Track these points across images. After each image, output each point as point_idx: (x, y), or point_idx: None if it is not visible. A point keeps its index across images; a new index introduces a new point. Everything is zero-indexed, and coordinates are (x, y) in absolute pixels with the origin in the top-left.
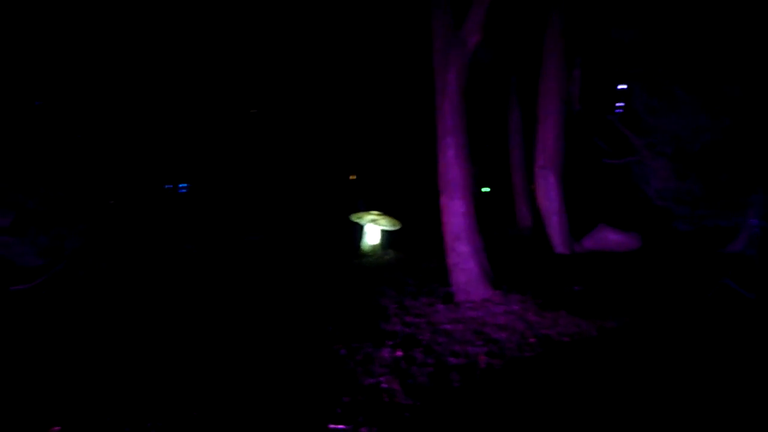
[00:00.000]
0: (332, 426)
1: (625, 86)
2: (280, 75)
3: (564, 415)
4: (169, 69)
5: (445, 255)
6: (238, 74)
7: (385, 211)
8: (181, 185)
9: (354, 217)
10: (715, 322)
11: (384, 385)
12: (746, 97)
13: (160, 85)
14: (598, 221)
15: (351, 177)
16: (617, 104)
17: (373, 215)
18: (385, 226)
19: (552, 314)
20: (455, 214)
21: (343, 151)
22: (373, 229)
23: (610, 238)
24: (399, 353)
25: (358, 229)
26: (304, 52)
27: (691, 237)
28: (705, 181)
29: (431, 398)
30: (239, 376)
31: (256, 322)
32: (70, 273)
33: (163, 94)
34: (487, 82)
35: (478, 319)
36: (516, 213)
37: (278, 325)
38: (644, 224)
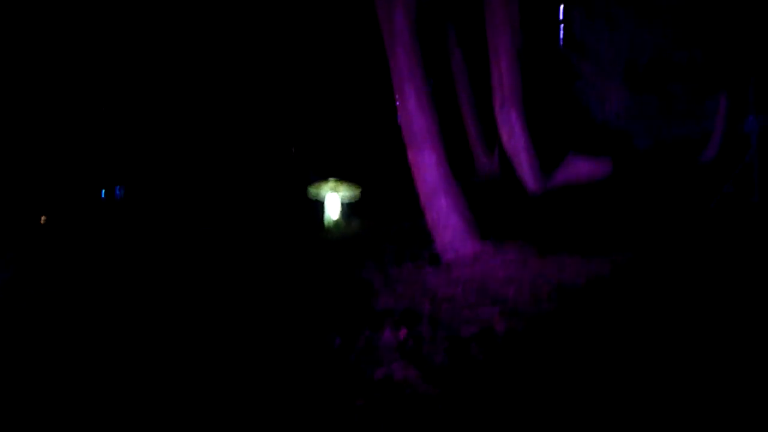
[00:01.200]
0: None
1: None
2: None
3: (612, 376)
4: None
5: (424, 213)
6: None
7: (341, 177)
8: (117, 188)
9: (312, 190)
10: (728, 233)
11: (398, 375)
12: (682, 5)
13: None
14: (564, 152)
15: (291, 149)
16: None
17: (331, 183)
18: (346, 192)
19: (554, 258)
20: (427, 167)
21: (275, 123)
22: (334, 200)
23: (580, 167)
24: (403, 333)
25: (318, 204)
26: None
27: (654, 152)
28: (659, 95)
29: (456, 382)
30: (226, 391)
31: (226, 322)
32: (6, 307)
33: (85, 87)
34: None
35: (477, 277)
36: (474, 160)
37: (254, 321)
38: (605, 148)
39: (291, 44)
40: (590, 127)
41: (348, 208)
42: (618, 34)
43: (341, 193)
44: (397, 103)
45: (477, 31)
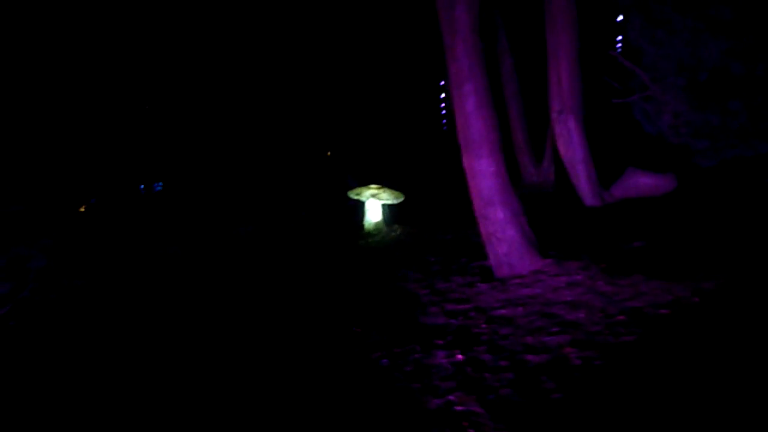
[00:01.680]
0: None
1: (621, 17)
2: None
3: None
4: (135, 64)
5: (478, 224)
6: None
7: (382, 183)
8: (156, 184)
9: (352, 194)
10: None
11: (458, 407)
12: (739, 18)
13: (123, 80)
14: (619, 165)
15: (327, 153)
16: (617, 38)
17: (372, 189)
18: (388, 199)
19: (627, 280)
20: (484, 175)
21: (314, 126)
22: (375, 205)
23: (642, 182)
24: (459, 356)
25: (357, 208)
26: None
27: (719, 172)
28: (722, 111)
29: (531, 420)
30: (259, 416)
31: (264, 331)
32: (40, 297)
33: (127, 89)
34: None
35: (539, 298)
36: (520, 170)
37: (293, 331)
38: (662, 164)
39: (332, 44)
40: (646, 141)
41: (389, 213)
42: (678, 43)
43: (383, 199)
44: (454, 105)
45: (530, 36)
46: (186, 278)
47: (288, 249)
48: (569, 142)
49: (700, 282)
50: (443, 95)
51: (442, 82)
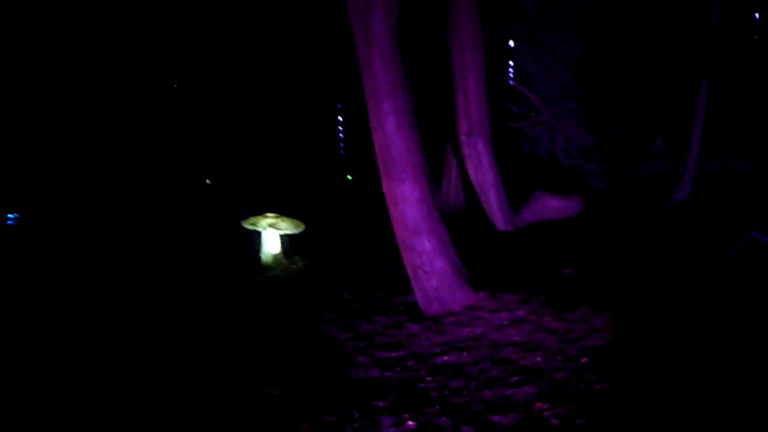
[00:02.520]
0: None
1: (512, 43)
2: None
3: None
4: None
5: (402, 255)
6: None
7: (278, 211)
8: (9, 216)
9: (247, 224)
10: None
11: None
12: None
13: None
14: (520, 188)
15: (207, 181)
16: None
17: (270, 218)
18: (287, 229)
19: (575, 314)
20: (408, 201)
21: (193, 151)
22: (273, 235)
23: (550, 204)
24: (410, 423)
25: (252, 239)
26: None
27: (613, 192)
28: (606, 134)
29: None
30: None
31: (145, 405)
32: None
33: None
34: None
35: (483, 339)
36: (441, 188)
37: (186, 401)
38: (557, 186)
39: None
40: (540, 164)
41: (288, 243)
42: (564, 70)
43: (281, 229)
44: (372, 124)
45: (425, 54)
46: (35, 334)
47: (173, 289)
48: (479, 166)
49: (649, 311)
50: (340, 117)
51: (339, 105)
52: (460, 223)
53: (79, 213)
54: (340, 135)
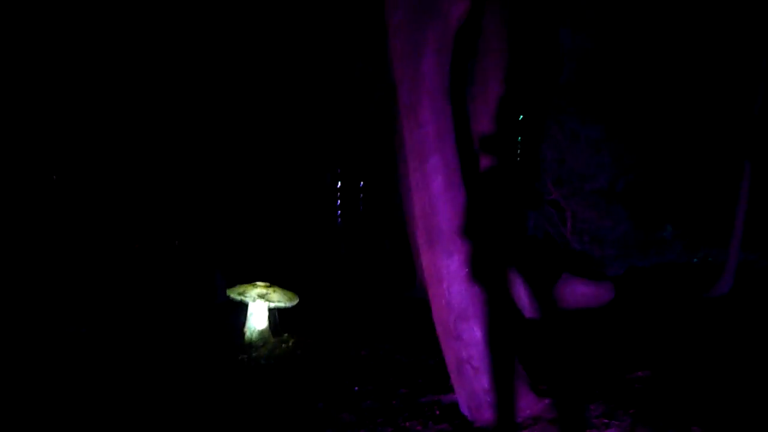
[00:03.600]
0: None
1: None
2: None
3: None
4: None
5: (442, 346)
6: None
7: (263, 280)
8: None
9: (233, 294)
10: None
11: None
12: (652, 136)
13: None
14: (536, 270)
15: (174, 242)
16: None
17: (259, 288)
18: (279, 302)
19: None
20: (456, 278)
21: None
22: (261, 308)
23: (579, 291)
24: None
25: (230, 311)
26: None
27: (634, 279)
28: (632, 219)
29: None
30: None
31: None
32: None
33: None
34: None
35: None
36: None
37: None
38: (569, 270)
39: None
40: (548, 246)
41: (278, 318)
42: (576, 151)
43: (273, 301)
44: (413, 183)
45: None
46: None
47: (144, 361)
48: None
49: None
50: (339, 183)
51: (339, 169)
52: None
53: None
54: (338, 201)
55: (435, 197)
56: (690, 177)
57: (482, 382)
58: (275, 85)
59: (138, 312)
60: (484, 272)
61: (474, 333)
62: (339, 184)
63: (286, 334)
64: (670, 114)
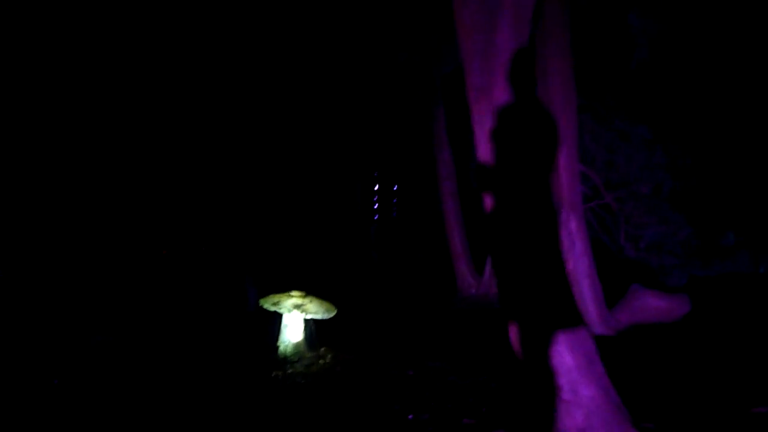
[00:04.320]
0: None
1: None
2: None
3: None
4: None
5: (523, 369)
6: None
7: (303, 289)
8: None
9: (267, 304)
10: None
11: None
12: (706, 136)
13: None
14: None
15: (201, 248)
16: None
17: (295, 298)
18: (316, 313)
19: None
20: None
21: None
22: (297, 320)
23: (652, 304)
24: None
25: (263, 321)
26: None
27: (701, 291)
28: (692, 225)
29: None
30: None
31: None
32: None
33: None
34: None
35: None
36: (457, 280)
37: None
38: (625, 281)
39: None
40: (601, 253)
41: (315, 331)
42: (631, 152)
43: (309, 313)
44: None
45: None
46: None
47: (171, 375)
48: (571, 249)
49: None
50: (377, 187)
51: (377, 173)
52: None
53: (62, 277)
54: (375, 206)
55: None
56: (752, 181)
57: (576, 418)
58: (308, 89)
59: (166, 321)
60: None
61: (563, 359)
62: (376, 187)
63: (323, 348)
64: (729, 112)
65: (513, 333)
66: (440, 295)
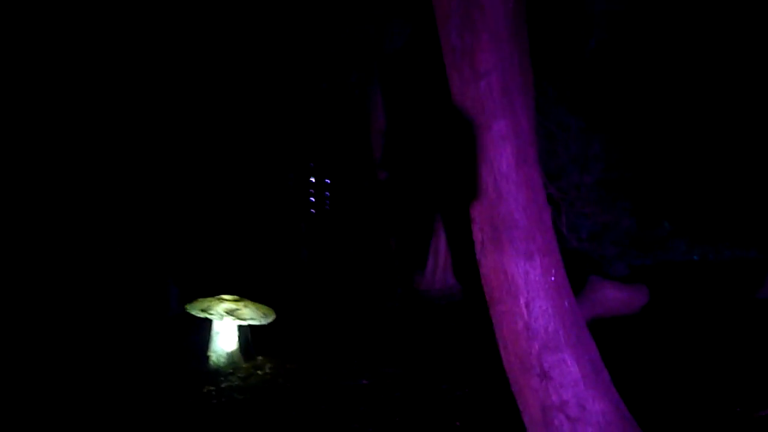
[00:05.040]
0: None
1: None
2: None
3: None
4: None
5: (517, 384)
6: None
7: (234, 292)
8: None
9: (195, 309)
10: None
11: None
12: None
13: None
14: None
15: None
16: None
17: (228, 302)
18: (252, 319)
19: None
20: (540, 290)
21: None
22: (230, 327)
23: (611, 296)
24: None
25: (189, 328)
26: None
27: (648, 281)
28: (634, 215)
29: None
30: None
31: None
32: None
33: None
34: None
35: None
36: (395, 273)
37: None
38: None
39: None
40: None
41: (250, 337)
42: (570, 141)
43: (245, 319)
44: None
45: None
46: None
47: (81, 393)
48: None
49: None
50: (313, 179)
51: (312, 164)
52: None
53: None
54: (311, 199)
55: (503, 176)
56: (687, 171)
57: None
58: (230, 72)
59: (72, 329)
60: (567, 281)
61: (569, 369)
62: (312, 179)
63: (260, 357)
64: (665, 104)
65: (511, 348)
66: (379, 293)
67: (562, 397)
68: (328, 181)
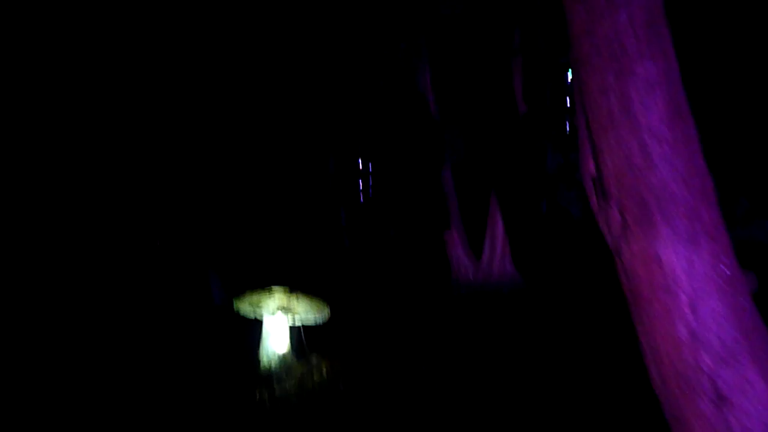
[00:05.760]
0: None
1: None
2: None
3: None
4: None
5: (672, 404)
6: None
7: (286, 284)
8: None
9: (244, 305)
10: None
11: None
12: None
13: None
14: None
15: (156, 242)
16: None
17: (278, 296)
18: (305, 315)
19: None
20: (704, 282)
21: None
22: (282, 325)
23: None
24: None
25: (237, 325)
26: None
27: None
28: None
29: None
30: None
31: None
32: None
33: None
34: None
35: None
36: (452, 266)
37: None
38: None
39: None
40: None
41: (302, 335)
42: None
43: (296, 314)
44: (595, 117)
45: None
46: None
47: (121, 398)
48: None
49: None
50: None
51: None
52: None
53: None
54: (355, 186)
55: (653, 135)
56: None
57: None
58: (262, 62)
59: (114, 325)
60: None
61: (755, 392)
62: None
63: (314, 356)
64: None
65: (659, 355)
66: (431, 283)
67: (746, 428)
68: (370, 168)
